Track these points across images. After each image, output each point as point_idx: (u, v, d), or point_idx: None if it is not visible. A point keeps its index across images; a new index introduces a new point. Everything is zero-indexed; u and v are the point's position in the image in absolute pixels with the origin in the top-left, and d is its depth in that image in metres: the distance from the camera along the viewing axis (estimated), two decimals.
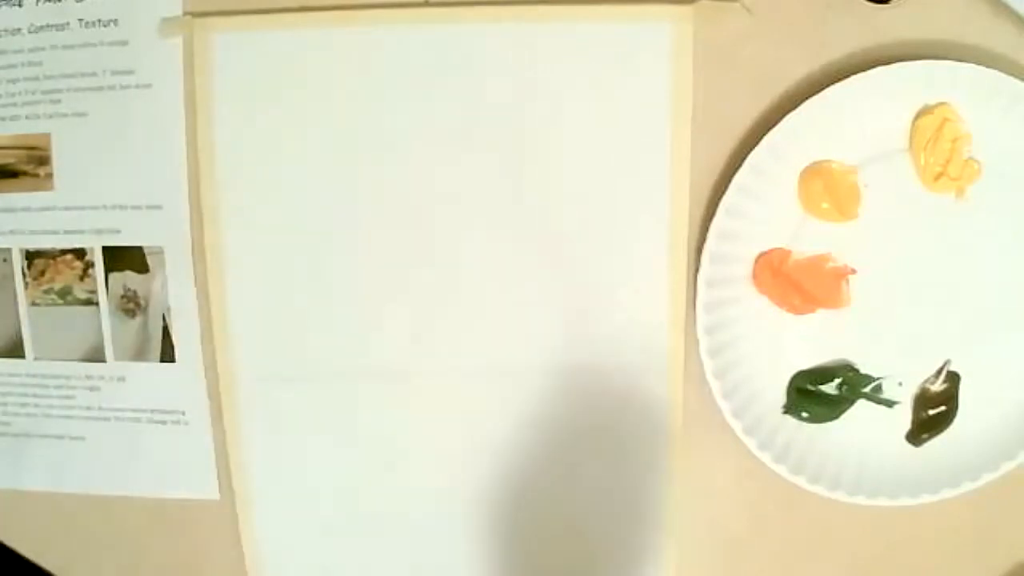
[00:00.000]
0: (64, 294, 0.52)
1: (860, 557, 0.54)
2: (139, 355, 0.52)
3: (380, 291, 0.51)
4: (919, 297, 0.50)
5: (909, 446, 0.52)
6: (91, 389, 0.53)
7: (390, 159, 0.50)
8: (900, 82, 0.46)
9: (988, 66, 0.46)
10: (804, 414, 0.51)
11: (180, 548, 0.55)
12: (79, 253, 0.51)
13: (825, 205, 0.49)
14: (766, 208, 0.49)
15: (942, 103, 0.47)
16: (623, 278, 0.50)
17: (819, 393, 0.51)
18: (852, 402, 0.51)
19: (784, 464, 0.51)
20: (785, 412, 0.51)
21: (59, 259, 0.51)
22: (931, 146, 0.48)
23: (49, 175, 0.50)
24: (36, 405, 0.53)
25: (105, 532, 0.55)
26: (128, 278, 0.51)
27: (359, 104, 0.49)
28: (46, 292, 0.52)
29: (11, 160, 0.50)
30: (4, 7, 0.49)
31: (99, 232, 0.51)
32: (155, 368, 0.52)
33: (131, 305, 0.51)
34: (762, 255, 0.50)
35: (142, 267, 0.51)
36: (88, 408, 0.53)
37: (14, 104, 0.50)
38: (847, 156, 0.48)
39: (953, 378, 0.51)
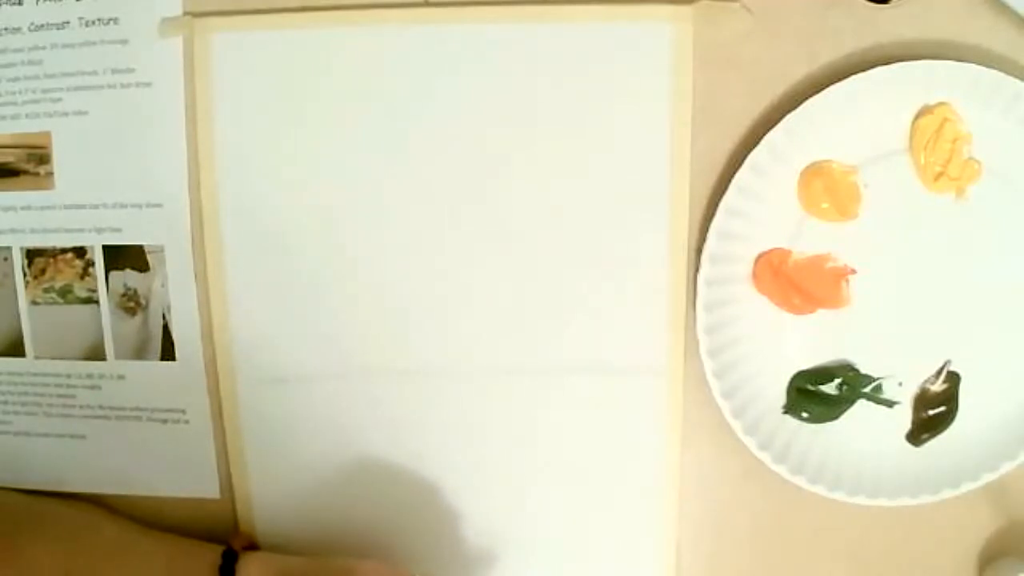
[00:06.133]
0: (64, 293, 0.52)
1: (860, 557, 0.54)
2: (139, 354, 0.52)
3: (380, 291, 0.51)
4: (919, 297, 0.50)
5: (909, 446, 0.52)
6: (91, 388, 0.53)
7: (389, 159, 0.50)
8: (900, 82, 0.47)
9: (988, 66, 0.46)
10: (804, 414, 0.51)
11: None
12: (79, 251, 0.51)
13: (825, 205, 0.49)
14: (766, 208, 0.49)
15: (942, 103, 0.47)
16: (623, 278, 0.50)
17: (819, 393, 0.51)
18: (852, 402, 0.51)
19: (784, 464, 0.51)
20: (785, 412, 0.51)
21: (59, 258, 0.51)
22: (931, 146, 0.48)
23: (49, 174, 0.51)
24: (36, 404, 0.53)
25: None
26: (128, 276, 0.51)
27: (359, 104, 0.49)
28: (46, 291, 0.52)
29: (11, 159, 0.50)
30: (4, 6, 0.49)
31: (99, 231, 0.51)
32: (155, 367, 0.52)
33: (131, 304, 0.52)
34: (762, 255, 0.50)
35: (142, 266, 0.51)
36: (88, 407, 0.53)
37: (14, 103, 0.50)
38: (847, 156, 0.48)
39: (953, 378, 0.51)
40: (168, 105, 0.49)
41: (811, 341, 0.51)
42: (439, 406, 0.52)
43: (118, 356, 0.52)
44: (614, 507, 0.53)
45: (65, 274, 0.51)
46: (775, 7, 0.48)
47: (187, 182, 0.50)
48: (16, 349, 0.53)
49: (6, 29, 0.49)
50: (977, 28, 0.48)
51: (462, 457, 0.53)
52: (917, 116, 0.48)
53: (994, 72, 0.46)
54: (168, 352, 0.52)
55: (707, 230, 0.48)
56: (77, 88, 0.49)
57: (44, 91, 0.50)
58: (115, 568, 0.49)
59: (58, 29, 0.49)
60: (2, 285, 0.52)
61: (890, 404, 0.51)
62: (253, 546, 0.53)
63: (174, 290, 0.51)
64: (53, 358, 0.53)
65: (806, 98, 0.47)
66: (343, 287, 0.51)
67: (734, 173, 0.48)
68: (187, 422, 0.53)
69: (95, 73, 0.49)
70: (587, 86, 0.48)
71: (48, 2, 0.49)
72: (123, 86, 0.49)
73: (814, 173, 0.48)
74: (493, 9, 0.48)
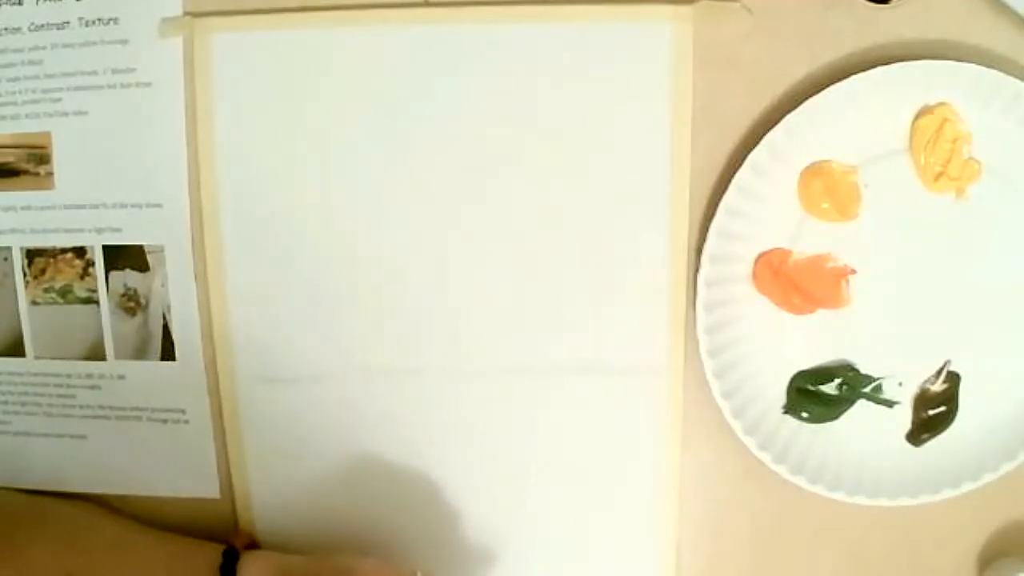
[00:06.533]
0: (64, 293, 0.52)
1: (860, 557, 0.54)
2: (139, 354, 0.52)
3: (380, 291, 0.51)
4: (919, 297, 0.50)
5: (909, 446, 0.52)
6: (91, 388, 0.53)
7: (389, 159, 0.50)
8: (900, 82, 0.47)
9: (988, 66, 0.46)
10: (804, 414, 0.51)
11: None
12: (79, 251, 0.51)
13: (825, 205, 0.49)
14: (766, 208, 0.49)
15: (942, 103, 0.47)
16: (623, 278, 0.50)
17: (819, 393, 0.51)
18: (852, 402, 0.51)
19: (784, 464, 0.51)
20: (785, 412, 0.51)
21: (59, 257, 0.51)
22: (931, 146, 0.48)
23: (49, 174, 0.51)
24: (36, 404, 0.53)
25: None
26: (128, 276, 0.51)
27: (359, 104, 0.49)
28: (46, 291, 0.52)
29: (11, 159, 0.50)
30: (4, 6, 0.49)
31: (99, 231, 0.51)
32: (155, 367, 0.52)
33: (131, 304, 0.52)
34: (762, 255, 0.50)
35: (142, 265, 0.51)
36: (88, 407, 0.53)
37: (14, 103, 0.50)
38: (847, 156, 0.48)
39: (953, 378, 0.51)
40: (168, 105, 0.49)
41: (811, 341, 0.51)
42: (439, 406, 0.52)
43: (118, 356, 0.52)
44: (614, 507, 0.53)
45: (65, 274, 0.51)
46: (775, 7, 0.48)
47: (187, 182, 0.50)
48: (16, 349, 0.53)
49: (6, 29, 0.49)
50: (977, 28, 0.48)
51: (462, 457, 0.53)
52: (917, 116, 0.48)
53: (994, 72, 0.46)
54: (168, 352, 0.52)
55: (707, 230, 0.48)
56: (77, 88, 0.49)
57: (44, 91, 0.50)
58: (116, 567, 0.49)
59: (58, 29, 0.49)
60: (2, 285, 0.52)
61: (890, 404, 0.51)
62: (254, 545, 0.53)
63: (174, 290, 0.51)
64: (53, 358, 0.53)
65: (806, 98, 0.47)
66: (343, 287, 0.51)
67: (734, 173, 0.48)
68: (187, 422, 0.53)
69: (95, 73, 0.49)
70: (587, 86, 0.48)
71: (48, 2, 0.49)
72: (123, 86, 0.49)
73: (814, 173, 0.48)
74: (493, 9, 0.48)
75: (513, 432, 0.52)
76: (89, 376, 0.53)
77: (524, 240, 0.50)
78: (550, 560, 0.54)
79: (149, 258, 0.51)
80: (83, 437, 0.53)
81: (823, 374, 0.51)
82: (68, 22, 0.49)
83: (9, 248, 0.52)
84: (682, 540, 0.53)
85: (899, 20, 0.48)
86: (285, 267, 0.51)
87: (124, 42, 0.49)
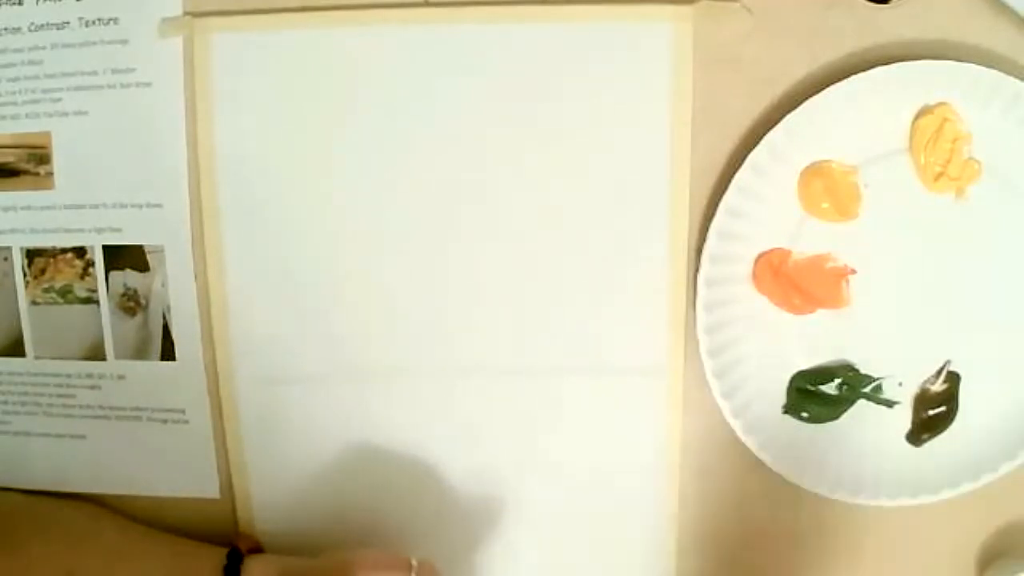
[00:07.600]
0: (64, 293, 0.52)
1: (860, 557, 0.54)
2: (139, 354, 0.52)
3: (380, 291, 0.51)
4: (919, 297, 0.50)
5: (909, 446, 0.52)
6: (91, 388, 0.53)
7: (389, 159, 0.50)
8: (900, 82, 0.47)
9: (988, 66, 0.46)
10: (804, 414, 0.51)
11: None
12: (79, 251, 0.51)
13: (825, 205, 0.49)
14: (766, 208, 0.49)
15: (942, 103, 0.47)
16: (623, 278, 0.50)
17: (819, 393, 0.51)
18: (852, 402, 0.51)
19: (784, 464, 0.51)
20: (785, 412, 0.51)
21: (59, 257, 0.51)
22: (931, 146, 0.48)
23: (49, 174, 0.50)
24: (36, 404, 0.53)
25: None
26: (128, 276, 0.51)
27: (359, 104, 0.49)
28: (46, 291, 0.52)
29: (11, 159, 0.50)
30: (4, 6, 0.49)
31: (99, 231, 0.51)
32: (155, 367, 0.52)
33: (131, 304, 0.52)
34: (762, 255, 0.50)
35: (142, 265, 0.51)
36: (88, 407, 0.53)
37: (14, 103, 0.50)
38: (847, 156, 0.48)
39: (953, 378, 0.51)
40: (168, 105, 0.49)
41: (811, 341, 0.51)
42: (439, 406, 0.52)
43: (118, 356, 0.52)
44: (614, 507, 0.53)
45: (65, 274, 0.51)
46: (775, 7, 0.48)
47: (187, 182, 0.50)
48: (16, 349, 0.53)
49: (6, 29, 0.49)
50: (977, 28, 0.48)
51: (462, 457, 0.53)
52: (917, 116, 0.48)
53: (994, 72, 0.46)
54: (168, 352, 0.52)
55: (707, 230, 0.48)
56: (77, 88, 0.49)
57: (44, 91, 0.50)
58: (117, 568, 0.48)
59: (58, 29, 0.49)
60: (2, 285, 0.52)
61: (890, 404, 0.51)
62: (258, 548, 0.53)
63: (174, 290, 0.51)
64: (53, 358, 0.53)
65: (806, 98, 0.47)
66: (343, 287, 0.51)
67: (734, 173, 0.48)
68: (187, 422, 0.53)
69: (95, 73, 0.49)
70: (587, 86, 0.48)
71: (48, 2, 0.49)
72: (123, 86, 0.49)
73: (814, 173, 0.48)
74: (493, 9, 0.48)
75: (513, 432, 0.52)
76: (89, 376, 0.53)
77: (524, 240, 0.50)
78: (550, 559, 0.54)
79: (149, 258, 0.51)
80: (83, 437, 0.53)
81: (823, 374, 0.51)
82: (68, 22, 0.49)
83: (9, 248, 0.51)
84: (682, 540, 0.53)
85: (899, 20, 0.48)
86: (285, 267, 0.51)
87: (124, 42, 0.49)
